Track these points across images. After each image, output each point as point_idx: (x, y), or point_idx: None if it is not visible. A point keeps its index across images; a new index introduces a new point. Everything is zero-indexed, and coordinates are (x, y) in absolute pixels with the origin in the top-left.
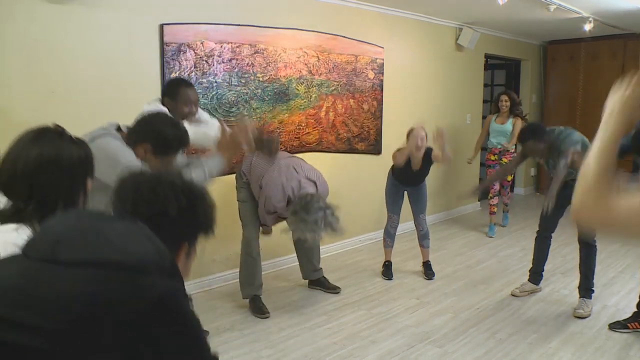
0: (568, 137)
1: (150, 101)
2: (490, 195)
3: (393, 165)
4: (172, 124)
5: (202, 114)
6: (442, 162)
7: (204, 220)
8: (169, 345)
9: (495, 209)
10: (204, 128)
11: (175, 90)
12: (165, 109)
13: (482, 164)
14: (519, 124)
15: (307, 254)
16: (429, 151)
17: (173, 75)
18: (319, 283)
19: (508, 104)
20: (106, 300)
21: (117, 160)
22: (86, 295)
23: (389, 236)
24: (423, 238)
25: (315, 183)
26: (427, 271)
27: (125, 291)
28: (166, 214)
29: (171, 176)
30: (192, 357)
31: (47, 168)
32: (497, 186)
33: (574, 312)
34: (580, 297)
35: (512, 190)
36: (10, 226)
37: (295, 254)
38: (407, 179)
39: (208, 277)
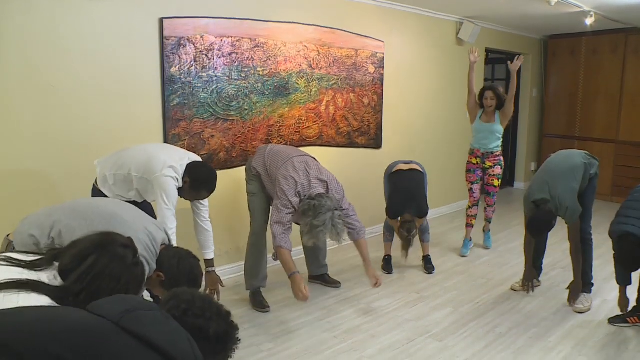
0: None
1: (177, 164)
2: (469, 204)
3: (391, 174)
4: (191, 278)
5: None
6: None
7: (229, 349)
8: None
9: (474, 221)
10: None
11: (199, 186)
12: (178, 181)
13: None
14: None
15: (314, 251)
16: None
17: (173, 69)
18: (319, 277)
19: (494, 101)
20: None
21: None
22: None
23: (389, 230)
24: (423, 232)
25: (326, 183)
26: (427, 265)
27: None
28: (206, 332)
29: (219, 303)
30: None
31: (108, 280)
32: (477, 193)
33: (573, 307)
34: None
35: (512, 185)
36: (50, 300)
37: (300, 248)
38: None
39: None
